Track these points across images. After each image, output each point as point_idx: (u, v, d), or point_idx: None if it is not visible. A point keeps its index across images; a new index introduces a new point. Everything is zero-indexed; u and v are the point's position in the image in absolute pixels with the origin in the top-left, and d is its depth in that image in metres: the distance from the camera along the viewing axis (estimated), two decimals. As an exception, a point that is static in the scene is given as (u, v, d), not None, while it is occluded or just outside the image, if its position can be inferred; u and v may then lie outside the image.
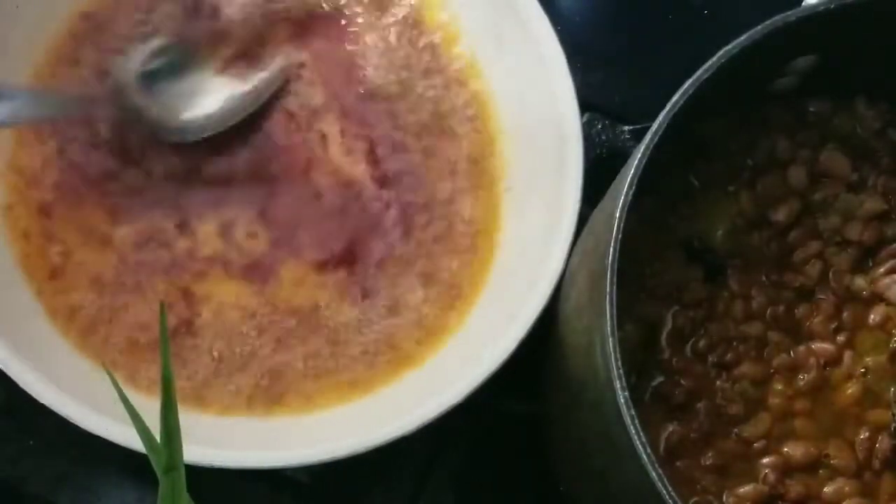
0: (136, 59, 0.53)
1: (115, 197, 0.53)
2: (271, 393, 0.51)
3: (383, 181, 0.54)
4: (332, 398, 0.51)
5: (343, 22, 0.57)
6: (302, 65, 0.56)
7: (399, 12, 0.58)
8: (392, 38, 0.57)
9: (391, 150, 0.55)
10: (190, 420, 0.49)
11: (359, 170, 0.54)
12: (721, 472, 0.43)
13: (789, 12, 0.41)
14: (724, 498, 0.42)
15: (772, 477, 0.43)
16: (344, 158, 0.54)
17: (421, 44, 0.57)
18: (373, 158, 0.55)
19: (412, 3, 0.58)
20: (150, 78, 0.53)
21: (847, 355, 0.45)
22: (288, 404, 0.51)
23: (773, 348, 0.45)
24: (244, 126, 0.54)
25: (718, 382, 0.44)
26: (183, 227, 0.53)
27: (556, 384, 0.48)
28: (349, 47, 0.57)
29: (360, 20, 0.57)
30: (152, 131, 0.53)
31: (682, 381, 0.44)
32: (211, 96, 0.54)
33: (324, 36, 0.57)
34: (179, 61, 0.55)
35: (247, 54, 0.56)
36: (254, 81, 0.55)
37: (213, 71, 0.55)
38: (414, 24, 0.58)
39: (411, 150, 0.55)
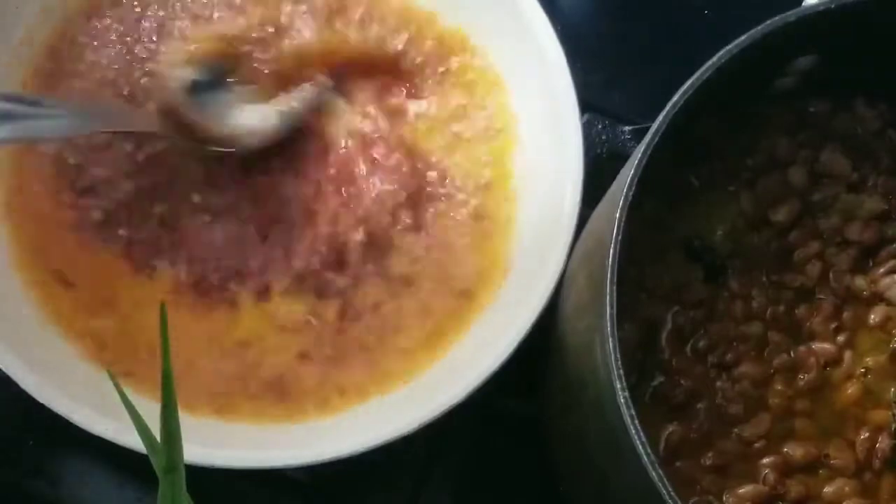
0: (183, 72, 0.53)
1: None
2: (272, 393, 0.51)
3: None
4: (333, 398, 0.51)
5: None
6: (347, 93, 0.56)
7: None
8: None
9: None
10: (190, 420, 0.49)
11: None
12: (721, 472, 0.43)
13: (789, 12, 0.41)
14: (724, 498, 0.42)
15: (772, 477, 0.43)
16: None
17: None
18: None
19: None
20: (195, 90, 0.53)
21: (847, 355, 0.45)
22: (288, 404, 0.51)
23: (773, 348, 0.45)
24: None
25: (718, 382, 0.44)
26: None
27: (556, 384, 0.48)
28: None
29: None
30: (202, 141, 0.53)
31: (682, 381, 0.44)
32: (255, 111, 0.54)
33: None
34: (223, 73, 0.55)
35: (290, 75, 0.56)
36: (295, 100, 0.55)
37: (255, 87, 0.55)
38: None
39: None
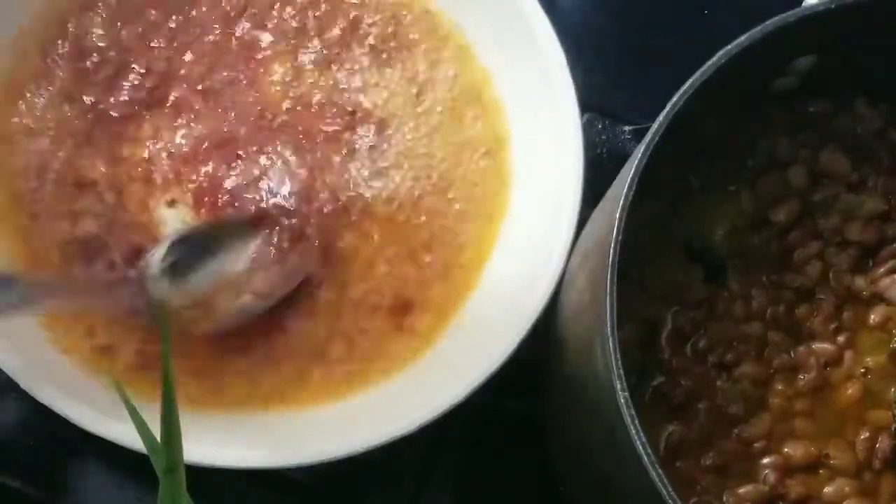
0: (160, 250, 0.50)
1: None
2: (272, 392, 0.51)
3: None
4: (333, 398, 0.51)
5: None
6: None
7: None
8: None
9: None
10: (190, 420, 0.49)
11: None
12: (721, 472, 0.43)
13: (789, 12, 0.41)
14: (724, 498, 0.42)
15: (772, 477, 0.42)
16: None
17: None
18: None
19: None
20: (177, 269, 0.49)
21: (847, 355, 0.45)
22: (289, 404, 0.51)
23: (773, 348, 0.45)
24: None
25: (718, 382, 0.44)
26: None
27: (556, 384, 0.48)
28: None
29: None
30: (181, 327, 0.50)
31: (682, 382, 0.44)
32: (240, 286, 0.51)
33: None
34: (210, 242, 0.51)
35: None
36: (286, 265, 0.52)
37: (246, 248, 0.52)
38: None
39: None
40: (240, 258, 0.51)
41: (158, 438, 0.36)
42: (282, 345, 0.52)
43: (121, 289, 0.51)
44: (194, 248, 0.50)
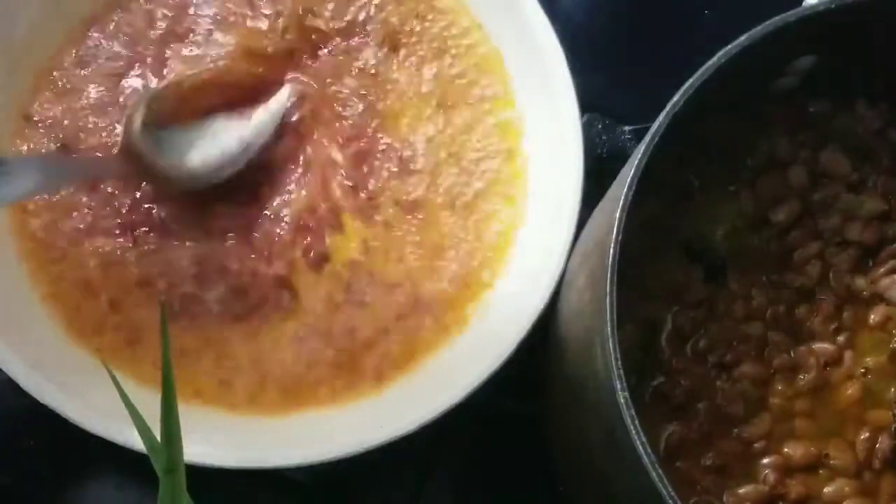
0: (138, 108, 0.52)
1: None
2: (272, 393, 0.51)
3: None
4: (333, 399, 0.51)
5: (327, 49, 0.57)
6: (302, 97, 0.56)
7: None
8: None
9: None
10: (190, 420, 0.49)
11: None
12: (721, 472, 0.43)
13: (789, 12, 0.41)
14: (724, 498, 0.42)
15: (772, 477, 0.42)
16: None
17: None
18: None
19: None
20: (154, 126, 0.52)
21: (847, 355, 0.45)
22: (289, 404, 0.51)
23: (773, 348, 0.45)
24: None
25: (718, 382, 0.44)
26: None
27: (556, 384, 0.48)
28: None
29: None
30: (164, 183, 0.53)
31: (682, 382, 0.44)
32: (216, 139, 0.54)
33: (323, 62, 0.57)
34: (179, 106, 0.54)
35: (248, 93, 0.55)
36: (256, 121, 0.54)
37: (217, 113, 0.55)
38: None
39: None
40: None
41: (158, 438, 0.36)
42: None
43: (107, 160, 0.53)
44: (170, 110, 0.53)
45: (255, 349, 0.52)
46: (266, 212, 0.54)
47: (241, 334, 0.52)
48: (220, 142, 0.54)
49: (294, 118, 0.55)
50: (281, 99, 0.55)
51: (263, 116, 0.54)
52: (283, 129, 0.55)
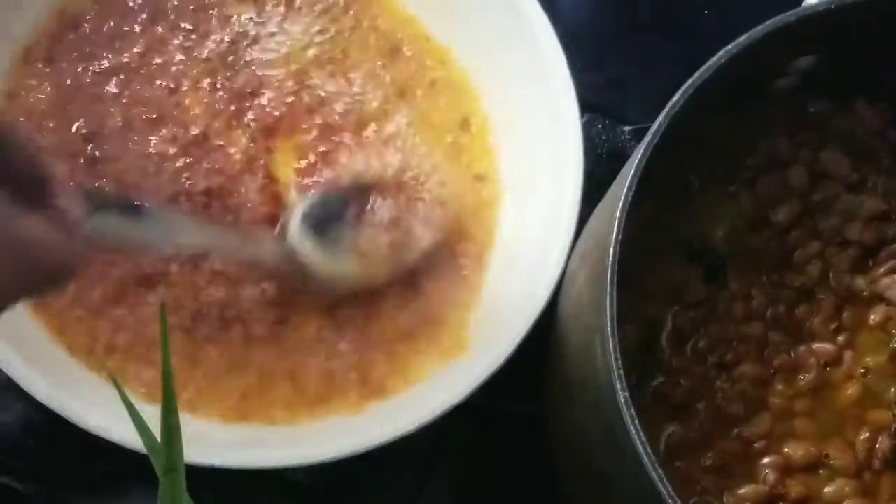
0: (301, 206, 0.50)
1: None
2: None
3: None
4: (334, 399, 0.51)
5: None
6: None
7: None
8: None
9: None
10: (190, 420, 0.49)
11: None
12: (721, 472, 0.43)
13: (789, 12, 0.41)
14: (724, 498, 0.42)
15: (772, 477, 0.42)
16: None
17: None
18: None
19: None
20: (317, 228, 0.50)
21: (847, 355, 0.45)
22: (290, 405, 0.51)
23: (773, 348, 0.45)
24: None
25: (718, 382, 0.44)
26: None
27: (556, 384, 0.48)
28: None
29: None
30: (317, 287, 0.50)
31: (682, 381, 0.44)
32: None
33: None
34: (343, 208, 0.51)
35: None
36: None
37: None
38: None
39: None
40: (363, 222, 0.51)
41: (158, 438, 0.36)
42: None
43: (260, 241, 0.51)
44: (330, 210, 0.50)
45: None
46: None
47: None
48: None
49: None
50: None
51: None
52: None
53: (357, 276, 0.51)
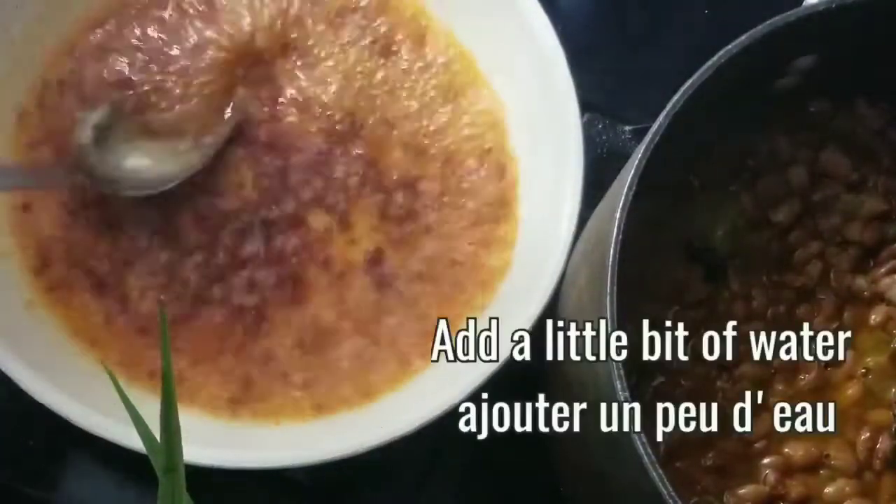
0: (91, 120, 0.53)
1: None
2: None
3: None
4: (335, 401, 0.51)
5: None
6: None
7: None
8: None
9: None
10: (190, 420, 0.49)
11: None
12: (721, 472, 0.43)
13: (789, 12, 0.41)
14: (725, 498, 0.42)
15: (772, 477, 0.42)
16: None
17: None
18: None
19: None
20: (106, 140, 0.53)
21: (848, 355, 0.45)
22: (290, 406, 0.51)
23: (773, 348, 0.45)
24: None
25: (718, 382, 0.44)
26: None
27: (556, 384, 0.48)
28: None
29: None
30: (109, 188, 0.52)
31: (682, 382, 0.44)
32: (160, 152, 0.54)
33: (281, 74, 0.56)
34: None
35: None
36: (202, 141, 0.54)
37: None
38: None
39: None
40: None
41: (158, 438, 0.36)
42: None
43: (57, 169, 0.53)
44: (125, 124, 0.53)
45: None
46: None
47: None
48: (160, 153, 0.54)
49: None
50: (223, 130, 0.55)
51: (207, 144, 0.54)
52: None
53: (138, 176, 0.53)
